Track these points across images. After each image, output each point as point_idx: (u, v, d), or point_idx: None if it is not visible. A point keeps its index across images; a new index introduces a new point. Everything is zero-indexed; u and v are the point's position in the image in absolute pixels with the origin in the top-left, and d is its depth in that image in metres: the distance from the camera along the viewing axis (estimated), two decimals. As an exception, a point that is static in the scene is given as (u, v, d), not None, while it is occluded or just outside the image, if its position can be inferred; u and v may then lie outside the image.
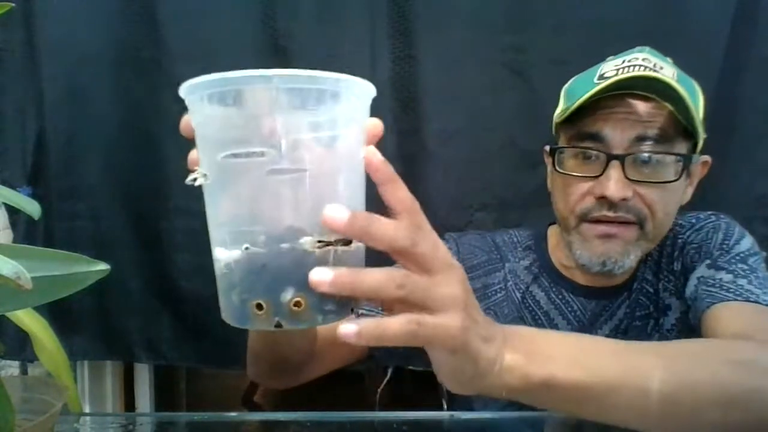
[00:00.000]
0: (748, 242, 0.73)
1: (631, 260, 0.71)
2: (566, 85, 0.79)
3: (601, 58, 0.78)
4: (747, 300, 0.64)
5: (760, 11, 1.04)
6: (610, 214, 0.69)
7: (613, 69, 0.70)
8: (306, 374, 0.74)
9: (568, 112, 0.71)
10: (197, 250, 1.12)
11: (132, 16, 1.09)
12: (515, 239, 0.86)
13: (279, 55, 1.08)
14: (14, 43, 1.10)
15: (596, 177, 0.69)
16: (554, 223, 0.84)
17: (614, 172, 0.67)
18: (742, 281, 0.66)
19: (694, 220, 0.78)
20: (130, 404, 1.33)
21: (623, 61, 0.71)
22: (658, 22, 1.04)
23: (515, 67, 1.06)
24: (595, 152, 0.70)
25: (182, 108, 1.21)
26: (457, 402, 0.86)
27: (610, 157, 0.68)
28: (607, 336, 0.78)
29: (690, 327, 0.72)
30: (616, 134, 0.68)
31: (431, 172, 1.09)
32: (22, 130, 1.11)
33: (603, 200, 0.69)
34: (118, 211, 1.14)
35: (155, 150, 1.11)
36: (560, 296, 0.80)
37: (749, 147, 1.07)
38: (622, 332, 0.78)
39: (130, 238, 1.14)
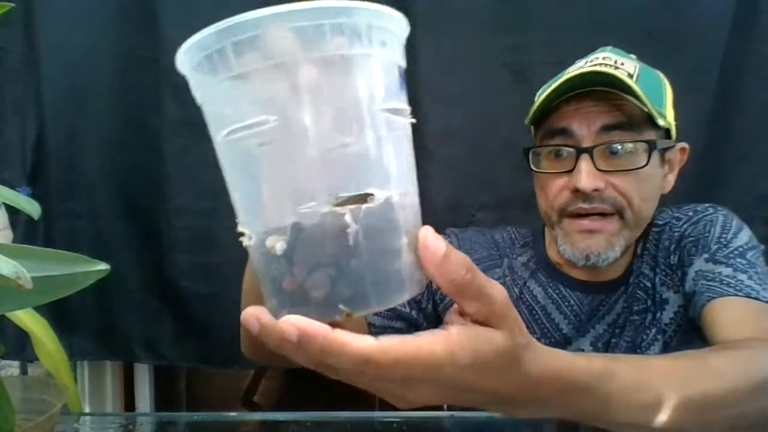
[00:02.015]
0: (746, 235, 0.73)
1: (616, 252, 0.72)
2: (539, 91, 0.80)
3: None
4: (748, 296, 0.63)
5: (760, 11, 1.04)
6: (586, 206, 0.70)
7: (576, 71, 0.71)
8: None
9: (533, 111, 0.74)
10: (197, 249, 1.12)
11: (132, 16, 1.09)
12: (513, 236, 0.87)
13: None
14: (14, 43, 1.10)
15: (569, 171, 0.71)
16: None
17: (584, 164, 0.69)
18: (742, 276, 0.66)
19: (691, 213, 0.78)
20: (130, 404, 1.33)
21: (585, 62, 0.72)
22: (658, 23, 1.04)
23: (515, 68, 1.07)
24: (565, 148, 0.71)
25: (181, 108, 1.21)
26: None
27: (580, 151, 0.69)
28: (605, 331, 0.78)
29: (688, 321, 0.73)
30: (583, 127, 0.70)
31: (431, 172, 1.09)
32: (22, 130, 1.12)
33: (577, 193, 0.70)
34: (118, 211, 1.14)
35: (155, 150, 1.11)
36: (557, 291, 0.80)
37: (749, 147, 1.07)
38: (619, 327, 0.78)
39: (130, 238, 1.14)
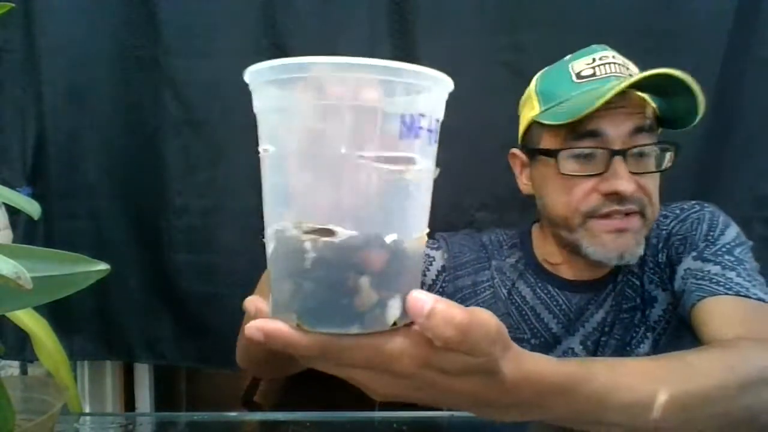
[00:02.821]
0: (733, 232, 0.73)
1: (641, 248, 0.72)
2: (536, 87, 0.78)
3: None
4: (737, 294, 0.64)
5: (760, 11, 1.04)
6: (621, 207, 0.70)
7: (587, 67, 0.71)
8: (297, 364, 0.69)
9: (580, 115, 0.67)
10: (197, 249, 1.12)
11: (132, 16, 1.09)
12: (501, 238, 0.87)
13: (279, 55, 1.08)
14: (14, 43, 1.10)
15: (599, 174, 0.70)
16: (538, 221, 0.86)
17: (621, 167, 0.68)
18: (731, 273, 0.66)
19: (678, 211, 0.78)
20: (130, 404, 1.33)
21: (594, 59, 0.72)
22: (658, 22, 1.04)
23: (515, 67, 1.06)
24: (599, 150, 0.69)
25: (181, 108, 1.21)
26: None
27: (614, 153, 0.68)
28: (594, 329, 0.78)
29: (678, 318, 0.73)
30: (615, 129, 0.69)
31: (431, 172, 1.08)
32: (22, 130, 1.12)
33: (612, 196, 0.69)
34: (118, 211, 1.14)
35: (155, 149, 1.11)
36: (545, 291, 0.80)
37: (749, 147, 1.07)
38: (608, 325, 0.78)
39: (130, 238, 1.14)
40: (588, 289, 0.79)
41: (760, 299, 0.63)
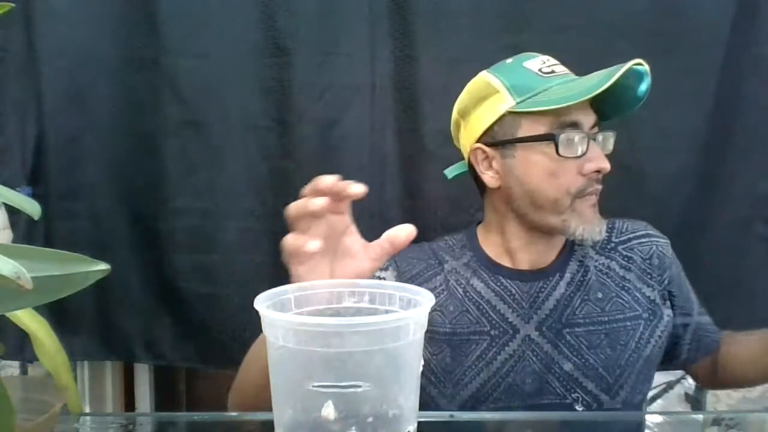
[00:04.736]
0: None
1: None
2: (504, 83, 0.82)
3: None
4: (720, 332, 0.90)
5: (760, 11, 1.04)
6: (599, 186, 0.80)
7: (544, 66, 0.81)
8: None
9: (564, 104, 0.76)
10: (197, 250, 1.12)
11: (132, 16, 1.09)
12: (450, 243, 0.92)
13: (279, 55, 1.08)
14: (14, 43, 1.10)
15: (582, 156, 0.78)
16: (480, 223, 0.92)
17: (598, 149, 0.79)
18: (706, 317, 0.90)
19: (648, 232, 0.89)
20: (130, 404, 1.33)
21: (543, 61, 0.82)
22: (657, 23, 1.05)
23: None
24: (580, 135, 0.78)
25: (181, 108, 1.21)
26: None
27: (591, 138, 0.79)
28: (547, 316, 0.82)
29: (671, 328, 0.87)
30: (586, 119, 0.79)
31: (431, 172, 1.09)
32: (22, 130, 1.12)
33: (595, 174, 0.79)
34: (118, 211, 1.14)
35: (155, 150, 1.11)
36: (498, 283, 0.85)
37: (749, 147, 1.07)
38: (572, 307, 0.83)
39: (130, 238, 1.14)
40: (538, 277, 0.85)
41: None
